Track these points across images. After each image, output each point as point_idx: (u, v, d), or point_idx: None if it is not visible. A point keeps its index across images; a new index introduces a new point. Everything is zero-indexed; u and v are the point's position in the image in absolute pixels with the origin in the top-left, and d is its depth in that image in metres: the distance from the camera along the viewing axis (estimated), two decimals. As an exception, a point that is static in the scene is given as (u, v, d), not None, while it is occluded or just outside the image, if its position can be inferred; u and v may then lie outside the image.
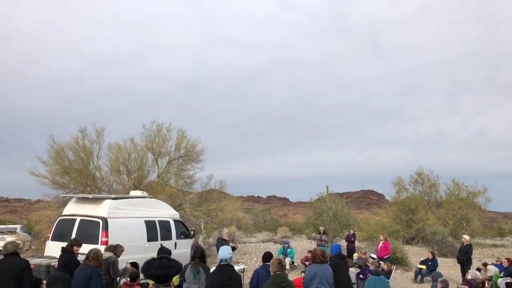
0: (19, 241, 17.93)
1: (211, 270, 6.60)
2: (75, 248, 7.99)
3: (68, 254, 7.90)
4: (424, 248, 23.01)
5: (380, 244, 15.33)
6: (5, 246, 6.72)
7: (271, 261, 6.25)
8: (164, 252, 9.59)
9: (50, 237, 11.36)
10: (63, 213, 11.94)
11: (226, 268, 6.03)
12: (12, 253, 6.63)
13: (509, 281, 12.43)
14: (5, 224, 28.30)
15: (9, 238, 20.03)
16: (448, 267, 17.89)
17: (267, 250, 8.16)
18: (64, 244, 8.24)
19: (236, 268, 10.59)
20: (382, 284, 3.45)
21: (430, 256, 15.73)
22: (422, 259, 16.60)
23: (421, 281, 14.90)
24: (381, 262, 14.06)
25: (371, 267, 12.77)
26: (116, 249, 8.61)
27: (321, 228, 18.26)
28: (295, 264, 17.03)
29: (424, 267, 15.34)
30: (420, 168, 27.64)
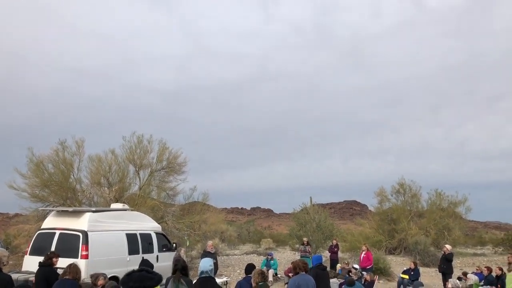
0: (2, 256, 17.65)
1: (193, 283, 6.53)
2: (54, 260, 7.83)
3: (48, 268, 7.74)
4: (406, 258, 23.16)
5: (363, 255, 15.41)
6: None
7: (253, 272, 6.24)
8: (146, 265, 9.45)
9: (29, 252, 11.12)
10: (42, 227, 11.70)
11: (207, 280, 5.98)
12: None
13: (489, 289, 12.61)
14: (-18, 239, 27.58)
15: (-14, 253, 19.56)
16: (430, 277, 18.02)
17: (250, 262, 8.13)
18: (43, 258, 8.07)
19: (219, 280, 10.53)
20: None
21: (412, 266, 15.82)
22: (405, 268, 16.68)
23: (404, 291, 14.96)
24: (364, 273, 14.12)
25: (354, 278, 12.82)
26: (97, 280, 8.33)
27: (305, 239, 18.25)
28: (279, 275, 16.96)
29: (406, 276, 15.41)
30: (402, 178, 27.94)
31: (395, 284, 15.97)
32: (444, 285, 13.20)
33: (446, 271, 13.88)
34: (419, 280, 14.55)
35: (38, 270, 7.81)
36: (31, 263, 10.31)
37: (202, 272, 6.06)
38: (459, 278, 12.62)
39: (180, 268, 6.66)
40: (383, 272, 17.31)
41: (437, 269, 15.25)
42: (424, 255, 23.03)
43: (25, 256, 11.31)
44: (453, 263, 14.46)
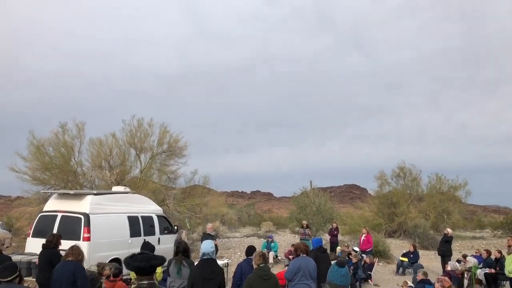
0: (2, 239, 17.82)
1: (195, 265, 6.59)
2: (58, 242, 7.88)
3: (51, 250, 7.76)
4: (406, 241, 23.32)
5: (363, 238, 15.52)
6: None
7: (254, 254, 6.27)
8: (147, 247, 9.52)
9: (31, 234, 11.20)
10: (44, 209, 11.77)
11: (208, 262, 6.03)
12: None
13: (487, 271, 12.73)
14: (-16, 221, 27.76)
15: (-11, 236, 19.72)
16: (429, 259, 18.18)
17: (250, 244, 8.18)
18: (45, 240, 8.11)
19: (220, 262, 10.62)
20: (346, 278, 3.42)
21: (412, 249, 15.98)
22: (404, 251, 16.85)
23: (403, 273, 15.12)
24: (364, 255, 14.24)
25: (354, 260, 12.94)
26: (104, 269, 8.39)
27: (304, 222, 18.36)
28: (279, 258, 17.12)
29: (406, 259, 15.57)
30: (402, 162, 27.97)
31: (394, 266, 16.13)
32: (443, 267, 13.31)
33: (445, 254, 14.00)
34: (418, 262, 14.69)
35: (41, 252, 7.85)
36: (34, 245, 10.40)
37: (203, 254, 6.11)
38: (458, 261, 12.71)
39: (182, 251, 6.72)
40: (382, 254, 17.46)
41: (436, 252, 15.37)
42: (424, 238, 23.19)
43: (28, 238, 11.40)
44: (452, 246, 14.58)
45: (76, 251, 6.26)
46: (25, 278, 7.09)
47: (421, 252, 17.64)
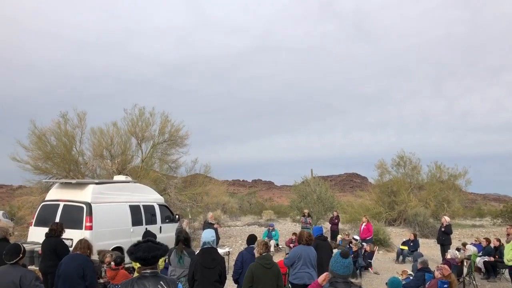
0: (7, 227, 17.84)
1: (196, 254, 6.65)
2: (61, 230, 7.92)
3: (55, 239, 7.79)
4: (406, 229, 23.44)
5: (363, 226, 15.60)
6: (3, 231, 6.66)
7: (256, 242, 6.32)
8: (149, 236, 9.61)
9: (33, 223, 11.27)
10: (46, 199, 11.82)
11: (209, 250, 6.08)
12: (2, 238, 6.58)
13: (486, 259, 12.82)
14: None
15: (-8, 224, 19.85)
16: (429, 248, 18.29)
17: (251, 233, 8.24)
18: (47, 229, 8.16)
19: (221, 251, 10.71)
20: (349, 268, 3.44)
21: (412, 237, 16.06)
22: (404, 240, 16.94)
23: (403, 261, 15.23)
24: (364, 243, 14.33)
25: (354, 248, 13.02)
26: (105, 257, 8.50)
27: (305, 211, 18.45)
28: (280, 246, 17.23)
29: (406, 247, 15.66)
30: (402, 151, 27.99)
31: (394, 254, 16.23)
32: (443, 256, 13.41)
33: (444, 243, 14.08)
34: (418, 251, 14.79)
35: (45, 241, 7.89)
36: (36, 234, 10.49)
37: (204, 243, 6.16)
38: (458, 249, 12.79)
39: (183, 239, 6.78)
40: (382, 243, 17.57)
41: (436, 240, 15.47)
42: (424, 226, 23.32)
43: (30, 227, 11.46)
44: (451, 234, 14.65)
45: (85, 245, 6.22)
46: (28, 267, 7.15)
47: (421, 241, 17.74)
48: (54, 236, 7.80)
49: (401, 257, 15.46)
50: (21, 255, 4.83)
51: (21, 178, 18.22)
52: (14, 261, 4.78)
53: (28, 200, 17.62)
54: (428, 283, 8.58)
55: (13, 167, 17.23)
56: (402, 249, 15.65)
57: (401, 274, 10.36)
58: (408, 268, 12.21)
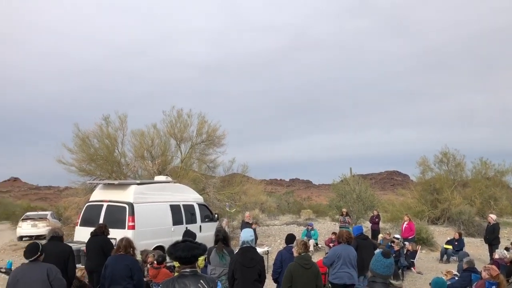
0: (56, 227, 18.61)
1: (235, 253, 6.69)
2: (106, 230, 8.17)
3: (102, 237, 8.03)
4: (450, 228, 22.73)
5: (405, 225, 15.25)
6: (53, 230, 6.96)
7: (296, 242, 6.29)
8: (189, 235, 9.71)
9: (79, 223, 11.66)
10: (90, 199, 12.22)
11: (248, 250, 6.11)
12: (58, 238, 6.86)
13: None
14: (36, 211, 29.14)
15: (41, 224, 20.76)
16: (475, 247, 17.67)
17: (290, 232, 8.21)
18: (93, 229, 8.41)
19: (260, 250, 10.73)
20: (391, 268, 3.35)
21: (457, 236, 15.56)
22: (448, 239, 16.45)
23: (447, 261, 14.80)
24: (406, 243, 14.02)
25: (396, 248, 12.75)
26: (147, 257, 8.71)
27: (344, 210, 18.22)
28: (319, 246, 17.09)
29: (450, 247, 15.20)
30: (445, 147, 27.14)
31: (438, 254, 15.79)
32: (491, 255, 12.90)
33: (492, 242, 13.55)
34: (463, 250, 14.31)
35: (90, 240, 8.13)
36: (82, 234, 10.83)
37: (243, 242, 6.19)
38: (507, 249, 12.26)
39: (222, 239, 6.83)
40: (425, 242, 17.12)
41: (483, 239, 14.93)
42: (469, 225, 22.51)
43: (76, 227, 11.87)
44: (500, 233, 14.08)
45: (126, 243, 6.32)
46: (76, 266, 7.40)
47: (466, 240, 17.16)
48: (101, 233, 8.05)
49: (445, 257, 15.01)
50: (39, 253, 5.14)
51: (67, 180, 18.99)
52: (34, 258, 5.09)
53: (74, 201, 18.25)
54: (474, 284, 8.28)
55: (60, 169, 17.94)
56: (446, 249, 15.20)
57: (446, 274, 10.04)
58: (453, 268, 11.82)
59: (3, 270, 9.02)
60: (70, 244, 10.30)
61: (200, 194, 15.47)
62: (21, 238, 20.08)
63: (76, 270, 7.29)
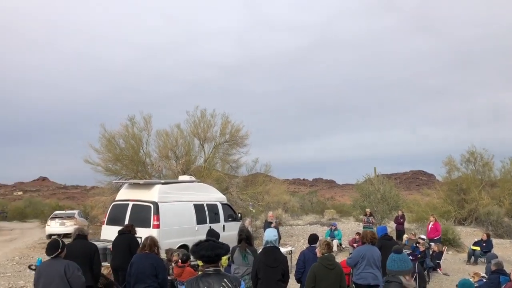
0: (83, 225, 19.08)
1: (258, 252, 6.72)
2: (133, 230, 8.33)
3: (129, 235, 8.20)
4: (477, 229, 22.23)
5: (430, 225, 15.02)
6: (79, 229, 7.16)
7: (319, 242, 6.26)
8: (212, 234, 9.82)
9: (105, 222, 11.87)
10: (116, 199, 12.44)
11: (272, 250, 6.12)
12: (83, 236, 7.05)
13: None
14: (64, 210, 29.86)
15: (69, 223, 21.27)
16: (504, 248, 17.26)
17: (313, 232, 8.18)
18: (119, 228, 8.58)
19: (283, 250, 10.72)
20: (404, 263, 3.31)
21: (485, 237, 15.22)
22: (476, 240, 16.11)
23: (475, 262, 14.49)
24: (432, 243, 13.79)
25: (421, 249, 12.55)
26: (172, 255, 8.84)
27: (368, 210, 18.05)
28: (343, 246, 16.97)
29: (478, 248, 14.88)
30: (472, 146, 26.57)
31: (465, 255, 15.48)
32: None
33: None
34: (491, 252, 13.98)
35: (117, 238, 8.30)
36: (108, 232, 11.04)
37: (267, 242, 6.21)
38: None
39: (245, 238, 6.86)
40: (452, 243, 16.81)
41: (512, 240, 14.60)
42: (497, 226, 21.98)
43: (102, 226, 12.10)
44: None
45: (151, 242, 6.38)
46: (102, 263, 7.57)
47: (494, 241, 16.76)
48: (128, 232, 8.21)
49: (472, 258, 14.70)
50: (60, 250, 5.27)
51: (93, 179, 19.41)
52: (55, 254, 5.23)
53: (100, 200, 18.62)
54: (503, 286, 8.09)
55: (87, 169, 18.35)
56: (473, 250, 14.88)
57: (473, 276, 9.85)
58: (480, 270, 11.58)
59: (33, 267, 9.27)
60: (96, 243, 10.57)
61: (223, 194, 15.56)
62: (50, 236, 20.60)
63: (102, 268, 7.44)
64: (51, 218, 22.42)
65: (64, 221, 21.61)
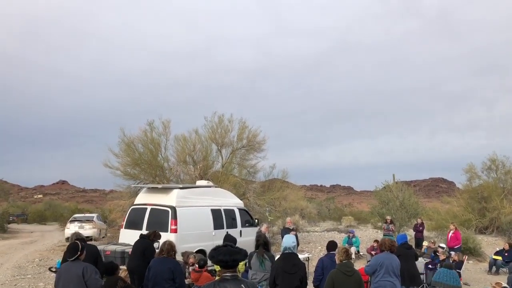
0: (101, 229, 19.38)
1: (276, 258, 6.70)
2: (154, 238, 8.40)
3: (147, 241, 8.28)
4: (499, 238, 21.77)
5: (451, 234, 14.78)
6: (76, 233, 7.33)
7: (337, 249, 6.23)
8: (229, 239, 9.83)
9: (124, 225, 11.97)
10: (135, 203, 12.53)
11: (290, 256, 6.10)
12: (82, 240, 7.17)
13: None
14: (83, 213, 30.27)
15: (87, 226, 21.55)
16: (527, 259, 16.82)
17: (331, 239, 8.13)
18: (137, 231, 8.67)
19: (301, 256, 10.66)
20: (452, 278, 3.25)
21: (507, 247, 14.91)
22: (497, 249, 15.79)
23: (496, 272, 14.19)
24: (452, 252, 13.56)
25: (441, 257, 12.35)
26: (189, 258, 8.88)
27: (388, 217, 17.83)
28: (361, 253, 16.80)
29: (499, 258, 14.58)
30: (493, 154, 26.07)
31: (486, 265, 15.17)
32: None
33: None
34: (514, 262, 13.68)
35: (137, 241, 8.40)
36: (126, 236, 11.14)
37: (285, 248, 6.19)
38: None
39: (263, 244, 6.86)
40: (472, 252, 16.48)
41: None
42: (520, 235, 21.50)
43: (121, 229, 12.21)
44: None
45: (169, 246, 6.46)
46: (120, 267, 7.66)
47: (517, 251, 16.37)
48: (147, 238, 8.29)
49: (494, 268, 14.39)
50: (79, 252, 5.37)
51: (112, 183, 19.64)
52: (74, 257, 5.34)
53: (119, 204, 18.81)
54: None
55: (106, 173, 18.57)
56: (495, 259, 14.57)
57: (495, 286, 9.65)
58: (502, 280, 11.33)
59: (53, 269, 9.44)
60: (115, 246, 10.68)
61: (241, 199, 15.56)
62: (68, 239, 20.91)
63: (120, 271, 7.52)
64: (70, 221, 22.76)
65: (83, 224, 21.90)
